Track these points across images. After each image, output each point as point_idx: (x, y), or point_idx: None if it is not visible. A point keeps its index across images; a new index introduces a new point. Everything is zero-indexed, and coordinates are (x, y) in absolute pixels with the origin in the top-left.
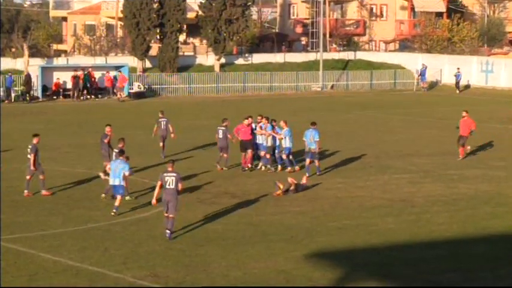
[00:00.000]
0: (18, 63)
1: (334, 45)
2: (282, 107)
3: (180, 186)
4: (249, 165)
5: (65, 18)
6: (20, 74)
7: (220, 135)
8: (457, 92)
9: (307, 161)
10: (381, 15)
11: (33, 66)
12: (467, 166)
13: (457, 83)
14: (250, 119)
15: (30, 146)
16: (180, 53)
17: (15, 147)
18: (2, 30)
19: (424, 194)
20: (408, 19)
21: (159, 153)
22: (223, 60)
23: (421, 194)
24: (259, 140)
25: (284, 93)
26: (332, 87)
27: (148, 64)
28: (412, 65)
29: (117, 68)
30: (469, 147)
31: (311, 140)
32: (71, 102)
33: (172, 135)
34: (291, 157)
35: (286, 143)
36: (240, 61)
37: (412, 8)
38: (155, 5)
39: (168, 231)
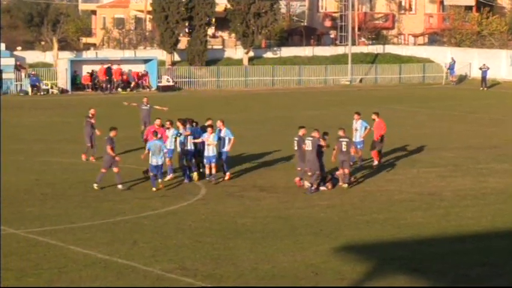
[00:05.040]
0: (48, 57)
1: (362, 39)
2: (310, 100)
3: (322, 143)
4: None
5: (94, 12)
6: (49, 67)
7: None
8: (483, 88)
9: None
10: (410, 8)
11: (62, 59)
12: (496, 160)
13: (483, 78)
14: (159, 120)
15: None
16: (209, 47)
17: (44, 140)
18: (32, 23)
19: (453, 188)
20: (437, 12)
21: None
22: (251, 53)
23: (450, 188)
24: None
25: (313, 86)
26: (361, 81)
27: (177, 57)
28: (441, 58)
29: (146, 61)
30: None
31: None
32: (99, 96)
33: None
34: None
35: (226, 146)
36: (268, 55)
37: (441, 2)
38: None
39: (311, 186)
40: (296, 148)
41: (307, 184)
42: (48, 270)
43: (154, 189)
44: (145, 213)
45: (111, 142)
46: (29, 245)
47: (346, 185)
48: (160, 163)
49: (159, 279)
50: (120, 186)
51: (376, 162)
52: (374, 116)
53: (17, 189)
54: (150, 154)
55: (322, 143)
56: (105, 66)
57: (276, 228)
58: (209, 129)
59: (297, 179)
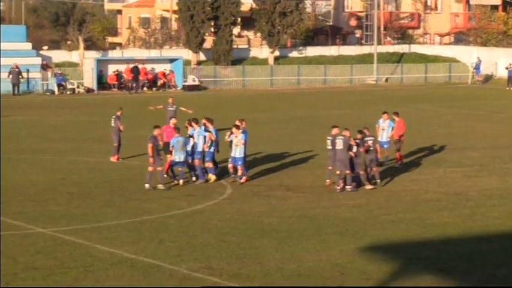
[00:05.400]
0: (74, 56)
1: (388, 38)
2: (335, 100)
3: (353, 142)
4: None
5: (119, 11)
6: (75, 67)
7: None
8: (509, 88)
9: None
10: (436, 8)
11: (88, 58)
12: None
13: (510, 78)
14: (174, 119)
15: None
16: (234, 46)
17: (71, 139)
18: (58, 22)
19: (479, 187)
20: (463, 12)
21: None
22: (277, 53)
23: (476, 188)
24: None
25: (338, 86)
26: (386, 80)
27: (202, 57)
28: (467, 58)
29: (172, 61)
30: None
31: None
32: (125, 95)
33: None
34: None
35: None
36: (294, 54)
37: (467, 1)
38: None
39: (338, 188)
40: (330, 147)
41: (348, 187)
42: (74, 269)
43: (181, 182)
44: (171, 213)
45: (154, 140)
46: (55, 244)
47: (378, 181)
48: (182, 159)
49: (185, 278)
50: (147, 186)
51: (400, 162)
52: (394, 116)
53: (43, 188)
54: (173, 150)
55: (352, 142)
56: (132, 65)
57: (302, 227)
58: (235, 129)
59: (328, 181)
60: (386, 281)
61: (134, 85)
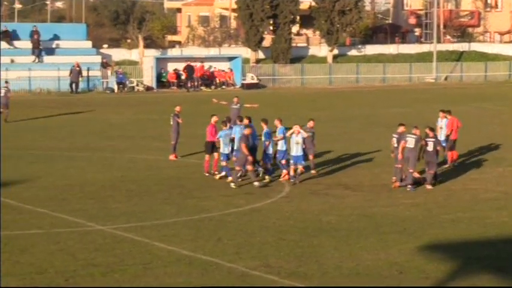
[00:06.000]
0: (133, 54)
1: (448, 37)
2: (394, 98)
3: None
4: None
5: (179, 10)
6: (135, 65)
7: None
8: None
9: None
10: (496, 6)
11: (148, 57)
12: None
13: None
14: (215, 117)
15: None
16: (293, 44)
17: (130, 137)
18: (118, 21)
19: None
20: None
21: None
22: (336, 51)
23: None
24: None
25: (397, 84)
26: (446, 78)
27: (261, 55)
28: None
29: (231, 59)
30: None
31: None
32: (184, 93)
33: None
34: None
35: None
36: (353, 52)
37: None
38: None
39: (409, 186)
40: (396, 145)
41: (409, 187)
42: (133, 266)
43: (229, 179)
44: (230, 211)
45: (246, 140)
46: (114, 241)
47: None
48: (226, 152)
49: (243, 276)
50: (256, 184)
51: (454, 160)
52: (446, 115)
53: (103, 185)
54: (221, 144)
55: (423, 142)
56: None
57: (361, 226)
58: (297, 127)
59: (394, 178)
60: (444, 281)
61: (191, 83)
